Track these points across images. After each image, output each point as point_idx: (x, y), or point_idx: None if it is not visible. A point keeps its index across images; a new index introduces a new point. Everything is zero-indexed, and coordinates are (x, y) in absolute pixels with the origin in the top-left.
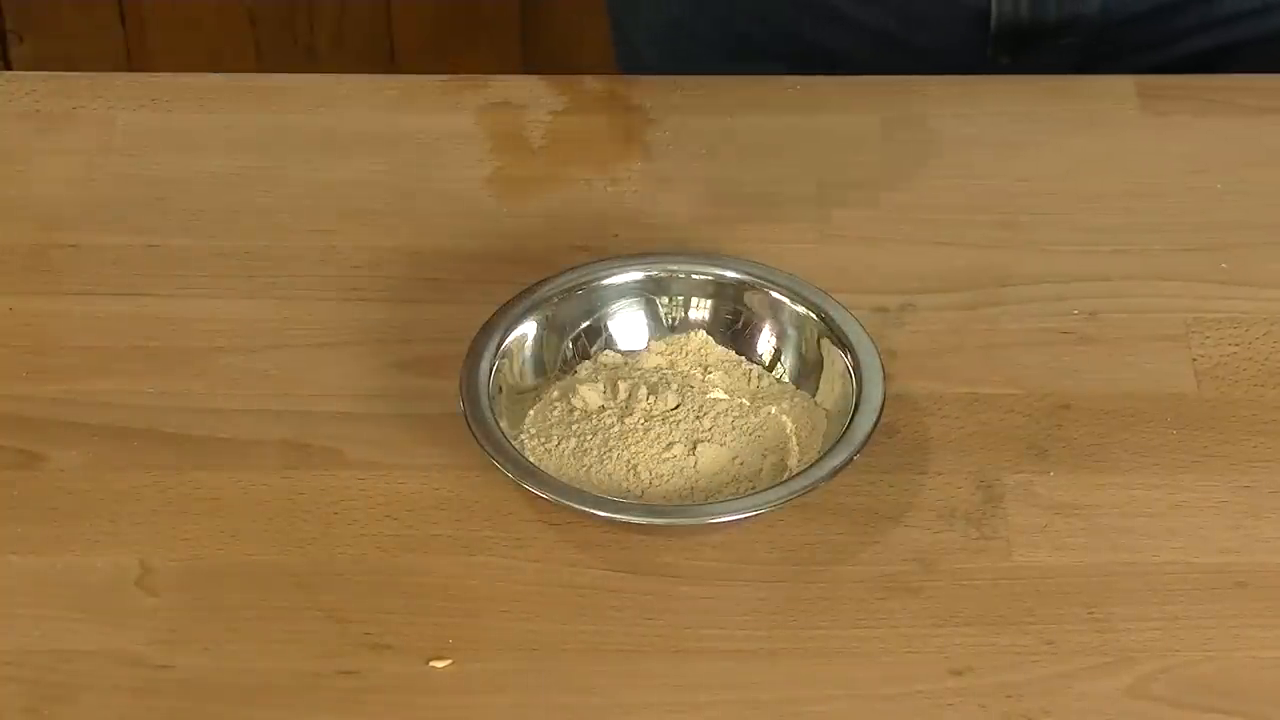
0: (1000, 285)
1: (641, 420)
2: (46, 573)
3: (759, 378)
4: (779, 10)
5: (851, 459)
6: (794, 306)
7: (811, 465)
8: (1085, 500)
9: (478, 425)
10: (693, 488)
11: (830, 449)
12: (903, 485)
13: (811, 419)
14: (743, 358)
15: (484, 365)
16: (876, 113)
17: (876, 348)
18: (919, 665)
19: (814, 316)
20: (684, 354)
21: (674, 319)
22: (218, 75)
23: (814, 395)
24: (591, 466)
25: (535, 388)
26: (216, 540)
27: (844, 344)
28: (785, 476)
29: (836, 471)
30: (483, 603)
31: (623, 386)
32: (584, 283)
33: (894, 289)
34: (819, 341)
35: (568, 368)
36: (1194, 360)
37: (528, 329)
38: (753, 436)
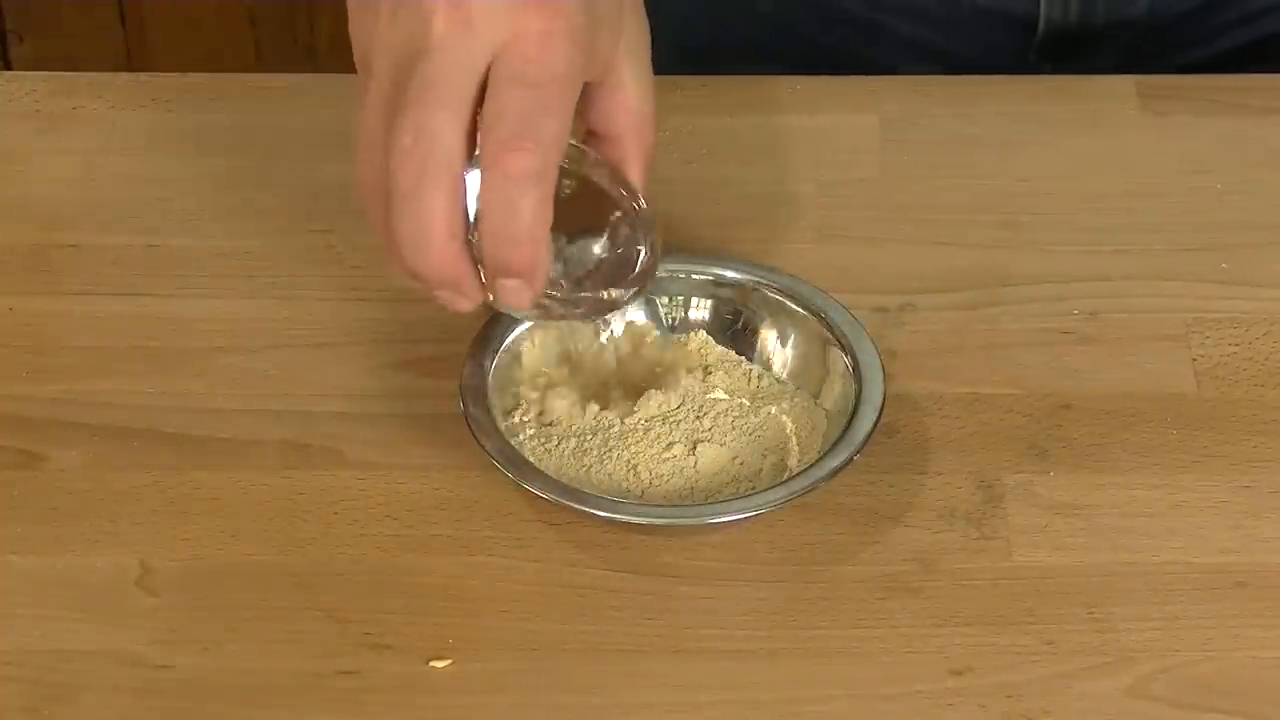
0: (1000, 285)
1: (641, 420)
2: (46, 573)
3: (759, 378)
4: (798, 15)
5: (851, 459)
6: (794, 306)
7: (811, 465)
8: (1085, 500)
9: (478, 425)
10: (693, 488)
11: (830, 449)
12: (903, 485)
13: (811, 419)
14: (743, 358)
15: (484, 365)
16: (876, 113)
17: (876, 348)
18: (919, 665)
19: (814, 316)
20: (684, 354)
21: (674, 319)
22: (218, 75)
23: (814, 395)
24: (591, 466)
25: None
26: (216, 540)
27: (844, 344)
28: (785, 476)
29: (836, 471)
30: (483, 603)
31: None
32: None
33: (894, 289)
34: (819, 341)
35: None
36: (1194, 360)
37: (528, 329)
38: (753, 436)
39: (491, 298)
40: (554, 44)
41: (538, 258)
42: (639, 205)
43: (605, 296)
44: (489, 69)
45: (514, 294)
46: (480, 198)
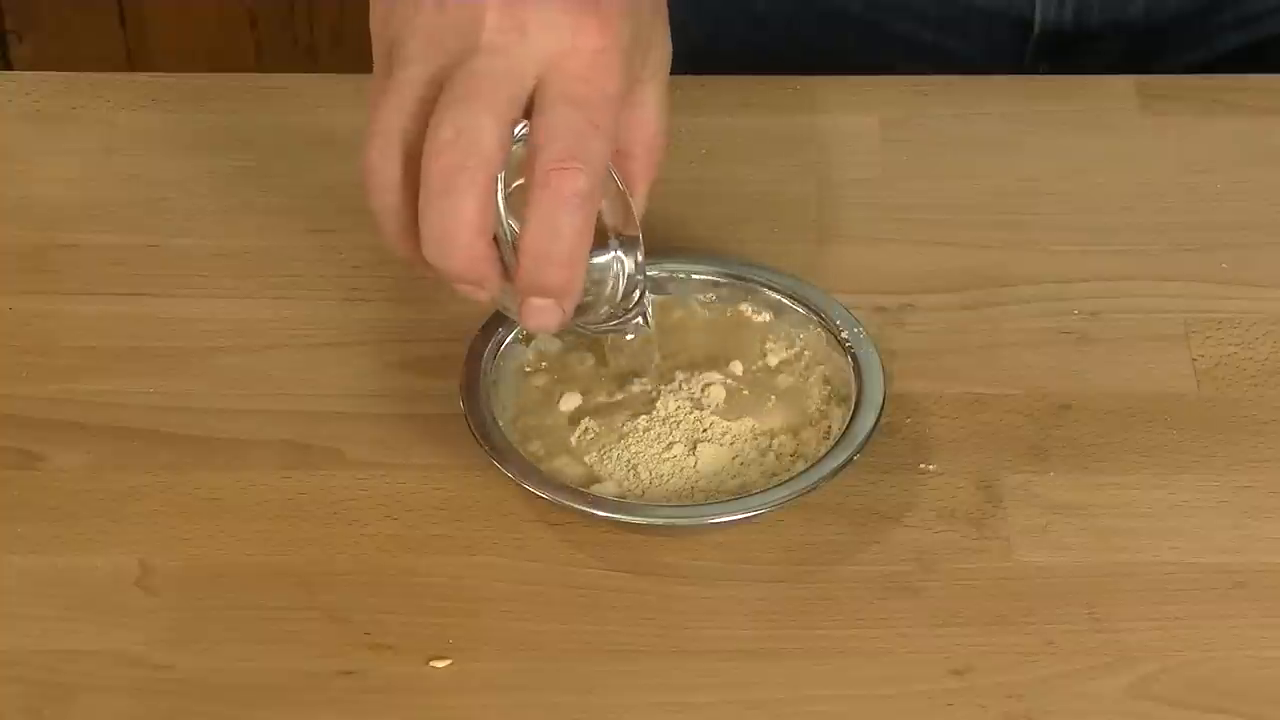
0: (1000, 285)
1: (642, 420)
2: (46, 573)
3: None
4: (796, 16)
5: (851, 459)
6: (794, 306)
7: (812, 465)
8: (1085, 500)
9: (478, 425)
10: (693, 488)
11: (830, 449)
12: (903, 485)
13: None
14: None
15: (484, 365)
16: (876, 113)
17: (876, 348)
18: (919, 665)
19: (814, 316)
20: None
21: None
22: (218, 75)
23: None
24: (592, 466)
25: None
26: (216, 540)
27: (844, 344)
28: (785, 476)
29: (836, 471)
30: (483, 603)
31: None
32: None
33: (894, 289)
34: (819, 341)
35: None
36: (1194, 360)
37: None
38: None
39: (515, 311)
40: (605, 63)
41: (574, 280)
42: (631, 226)
43: (604, 315)
44: (537, 78)
45: (543, 314)
46: (526, 216)
